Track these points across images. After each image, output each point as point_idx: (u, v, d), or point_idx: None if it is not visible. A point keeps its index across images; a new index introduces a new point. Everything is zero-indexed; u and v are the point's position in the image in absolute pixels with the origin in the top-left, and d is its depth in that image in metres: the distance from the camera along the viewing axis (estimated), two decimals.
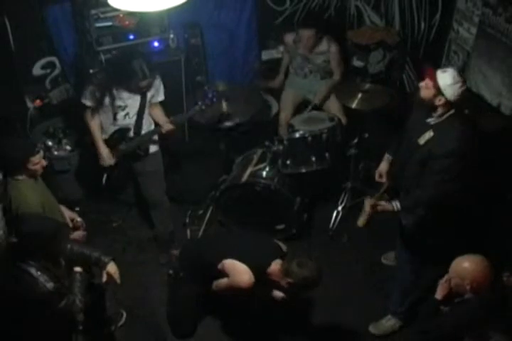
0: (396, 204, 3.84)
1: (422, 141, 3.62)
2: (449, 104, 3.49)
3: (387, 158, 4.19)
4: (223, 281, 3.92)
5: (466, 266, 3.10)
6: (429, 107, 3.57)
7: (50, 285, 3.16)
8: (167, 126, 4.42)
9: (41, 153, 3.65)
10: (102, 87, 4.27)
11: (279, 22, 6.18)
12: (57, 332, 3.40)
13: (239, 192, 4.84)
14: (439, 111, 3.54)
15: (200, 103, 4.42)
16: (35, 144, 3.81)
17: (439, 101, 3.48)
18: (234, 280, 3.83)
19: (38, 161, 3.61)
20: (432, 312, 3.34)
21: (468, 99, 4.87)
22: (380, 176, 4.19)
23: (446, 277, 3.27)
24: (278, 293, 4.00)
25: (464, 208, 3.96)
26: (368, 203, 3.98)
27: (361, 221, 4.11)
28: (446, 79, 3.46)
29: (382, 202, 3.91)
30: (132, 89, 4.28)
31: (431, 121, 3.59)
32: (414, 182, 3.73)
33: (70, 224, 4.02)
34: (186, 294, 4.29)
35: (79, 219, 4.07)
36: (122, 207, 5.42)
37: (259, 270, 3.82)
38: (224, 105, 4.80)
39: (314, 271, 3.71)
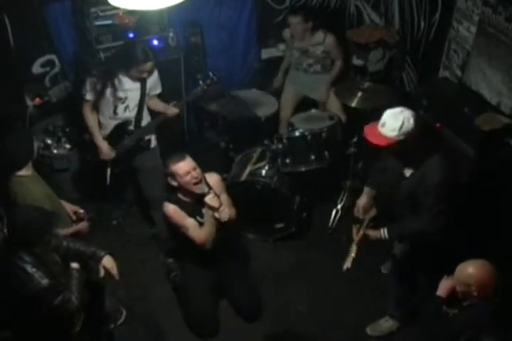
0: (384, 232, 3.70)
1: (407, 173, 3.52)
2: (420, 138, 3.34)
3: (367, 191, 4.03)
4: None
5: (470, 271, 3.07)
6: (412, 157, 3.44)
7: (45, 281, 3.15)
8: (171, 110, 4.47)
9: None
10: (103, 77, 4.30)
11: (278, 21, 6.17)
12: (54, 329, 3.40)
13: (238, 190, 4.83)
14: (420, 152, 3.41)
15: (201, 83, 4.43)
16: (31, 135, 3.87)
17: (411, 144, 3.32)
18: (169, 218, 4.04)
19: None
20: (434, 312, 3.32)
21: (468, 98, 4.95)
22: (358, 211, 4.00)
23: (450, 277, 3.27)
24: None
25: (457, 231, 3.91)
26: (355, 232, 3.83)
27: (349, 262, 3.86)
28: (393, 126, 3.28)
29: (371, 231, 3.77)
30: (134, 75, 4.29)
31: None
32: (405, 211, 3.65)
33: (73, 217, 4.05)
34: (196, 290, 4.33)
35: (81, 210, 4.11)
36: (122, 205, 5.41)
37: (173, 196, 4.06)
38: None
39: (171, 157, 3.95)
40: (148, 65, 4.26)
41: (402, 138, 3.28)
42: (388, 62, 5.99)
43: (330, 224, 5.13)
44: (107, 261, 3.67)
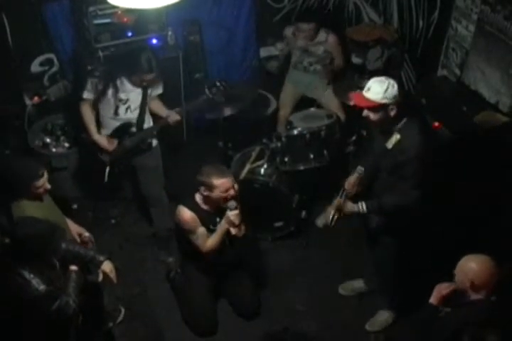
0: (362, 205, 3.78)
1: (389, 145, 3.60)
2: (400, 107, 3.47)
3: (359, 170, 4.06)
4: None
5: (472, 265, 3.07)
6: (389, 125, 3.56)
7: (42, 288, 3.13)
8: (173, 116, 4.45)
9: (45, 176, 3.55)
10: (106, 78, 4.30)
11: (277, 19, 6.17)
12: (53, 333, 3.39)
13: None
14: (397, 120, 3.53)
15: (207, 92, 4.41)
16: (38, 166, 3.58)
17: (391, 111, 3.46)
18: (182, 223, 3.99)
19: (41, 185, 3.52)
20: (428, 319, 3.31)
21: (467, 97, 4.95)
22: (349, 186, 4.07)
23: (445, 284, 3.25)
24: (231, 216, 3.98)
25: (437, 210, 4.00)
26: (336, 203, 3.90)
27: (321, 221, 4.00)
28: (377, 90, 3.43)
29: (349, 204, 3.85)
30: (134, 82, 4.30)
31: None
32: (384, 190, 3.73)
33: (78, 239, 3.98)
34: (195, 288, 4.35)
35: (87, 234, 4.02)
36: (120, 204, 5.41)
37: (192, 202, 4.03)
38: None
39: (212, 167, 3.92)
40: (151, 75, 4.26)
41: (385, 101, 3.43)
42: (387, 60, 5.98)
43: (328, 222, 5.12)
44: (107, 266, 3.66)
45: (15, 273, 3.15)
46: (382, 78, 3.49)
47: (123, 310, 4.44)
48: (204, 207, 4.05)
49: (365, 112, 3.52)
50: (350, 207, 3.85)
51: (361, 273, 4.67)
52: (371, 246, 4.29)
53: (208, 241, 4.04)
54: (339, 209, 3.89)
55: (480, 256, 3.12)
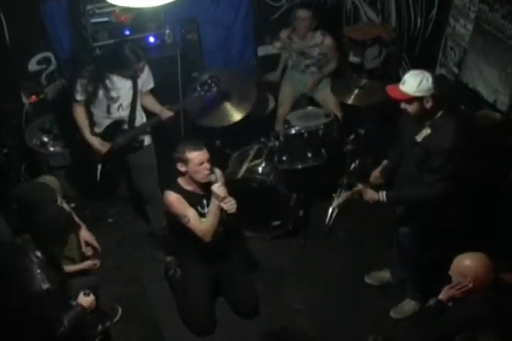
0: (383, 195, 3.84)
1: (419, 138, 3.63)
2: (436, 100, 3.49)
3: (385, 163, 4.20)
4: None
5: (467, 263, 3.08)
6: (426, 116, 3.58)
7: (45, 285, 3.13)
8: (166, 113, 4.46)
9: (58, 200, 3.63)
10: (94, 79, 4.29)
11: (275, 18, 6.17)
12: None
13: (235, 188, 4.82)
14: (434, 112, 3.55)
15: (198, 88, 4.42)
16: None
17: (427, 103, 3.49)
18: (170, 206, 4.06)
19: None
20: (433, 314, 3.31)
21: (465, 96, 4.95)
22: (376, 179, 4.24)
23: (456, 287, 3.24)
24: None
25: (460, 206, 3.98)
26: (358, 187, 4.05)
27: (336, 203, 4.27)
28: (411, 83, 3.48)
29: (370, 191, 3.94)
30: (126, 74, 4.29)
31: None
32: (407, 180, 3.76)
33: (84, 248, 3.99)
34: (193, 287, 4.35)
35: (95, 243, 4.03)
36: (118, 203, 5.40)
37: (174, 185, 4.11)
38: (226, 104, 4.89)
39: (186, 143, 4.02)
40: (142, 63, 4.26)
41: (419, 94, 3.47)
42: (385, 59, 5.99)
43: (327, 221, 5.12)
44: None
45: (21, 268, 3.14)
46: (418, 71, 3.53)
47: (120, 310, 4.43)
48: (187, 187, 4.10)
49: (403, 105, 3.57)
50: (371, 194, 3.92)
51: (361, 272, 4.69)
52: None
53: (204, 223, 4.07)
54: (359, 192, 4.02)
55: (474, 254, 3.12)
